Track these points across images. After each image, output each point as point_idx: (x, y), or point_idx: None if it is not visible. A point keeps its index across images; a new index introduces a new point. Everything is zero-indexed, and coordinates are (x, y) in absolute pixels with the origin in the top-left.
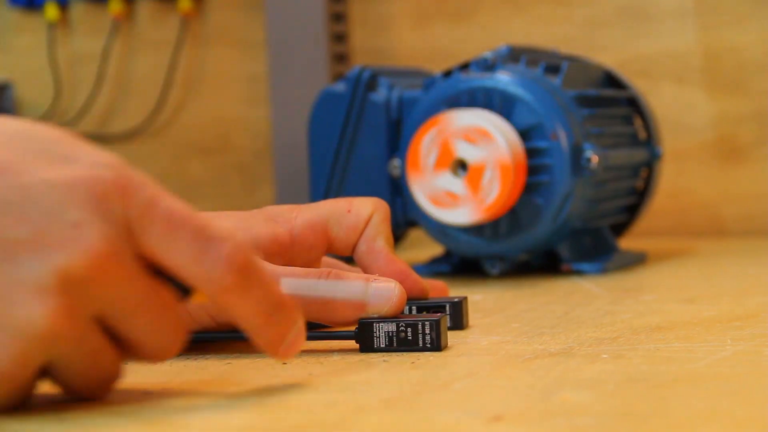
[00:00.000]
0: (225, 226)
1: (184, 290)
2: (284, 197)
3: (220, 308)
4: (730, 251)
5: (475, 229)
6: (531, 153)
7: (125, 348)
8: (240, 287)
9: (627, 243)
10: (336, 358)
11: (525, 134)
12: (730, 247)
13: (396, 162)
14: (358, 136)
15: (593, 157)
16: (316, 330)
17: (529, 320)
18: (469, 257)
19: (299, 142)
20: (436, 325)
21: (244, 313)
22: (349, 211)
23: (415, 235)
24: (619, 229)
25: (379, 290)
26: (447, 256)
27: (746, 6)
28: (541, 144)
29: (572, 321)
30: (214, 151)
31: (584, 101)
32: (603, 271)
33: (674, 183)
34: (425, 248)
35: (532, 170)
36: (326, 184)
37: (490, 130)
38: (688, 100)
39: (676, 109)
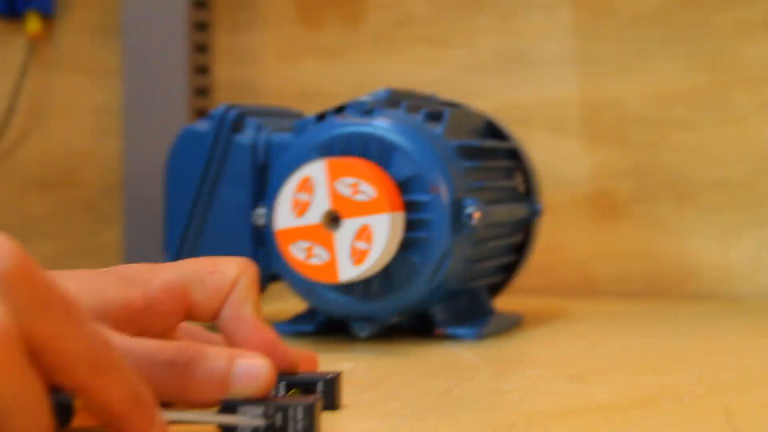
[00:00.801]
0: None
1: (66, 407)
2: (134, 239)
3: (89, 403)
4: (605, 314)
5: (344, 287)
6: (409, 207)
7: None
8: (111, 368)
9: (500, 302)
10: None
11: (403, 186)
12: (603, 308)
13: (261, 210)
14: (220, 180)
15: (475, 213)
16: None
17: (409, 399)
18: (336, 317)
19: (153, 179)
20: (309, 411)
21: (110, 398)
22: (213, 272)
23: (277, 287)
24: (495, 288)
25: (245, 367)
26: (311, 314)
27: (628, 57)
28: (421, 197)
29: (457, 401)
30: (58, 186)
31: (466, 152)
32: (479, 336)
33: (548, 238)
34: (285, 301)
35: (410, 225)
36: (183, 230)
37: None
38: (566, 151)
39: (553, 160)
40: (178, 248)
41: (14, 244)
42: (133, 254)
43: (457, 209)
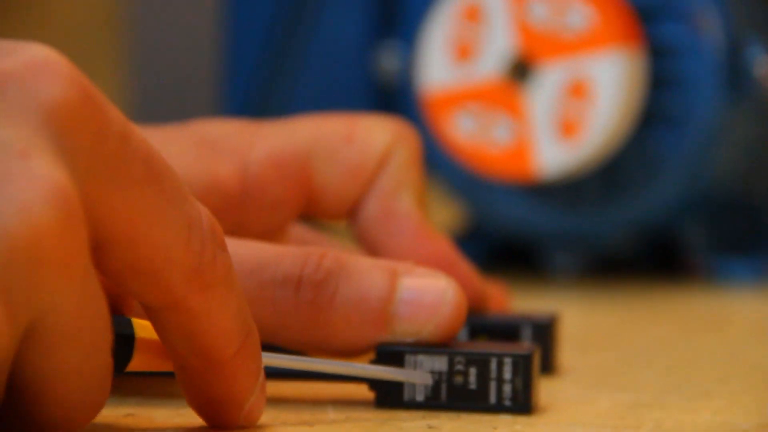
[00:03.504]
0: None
1: (120, 349)
2: (145, 87)
3: (179, 332)
4: None
5: (539, 189)
6: (653, 50)
7: (12, 397)
8: (224, 283)
9: None
10: (334, 417)
11: (645, 14)
12: None
13: (390, 51)
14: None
15: (765, 65)
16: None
17: (662, 366)
18: (517, 238)
19: None
20: (524, 365)
21: (211, 330)
22: (349, 138)
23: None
24: None
25: (418, 291)
26: (477, 234)
27: None
28: (673, 33)
29: (734, 373)
30: None
31: None
32: (764, 275)
33: None
34: (432, 211)
35: (654, 81)
36: (250, 85)
37: None
38: None
39: None
40: (242, 113)
41: (71, 67)
42: None
43: (735, 57)
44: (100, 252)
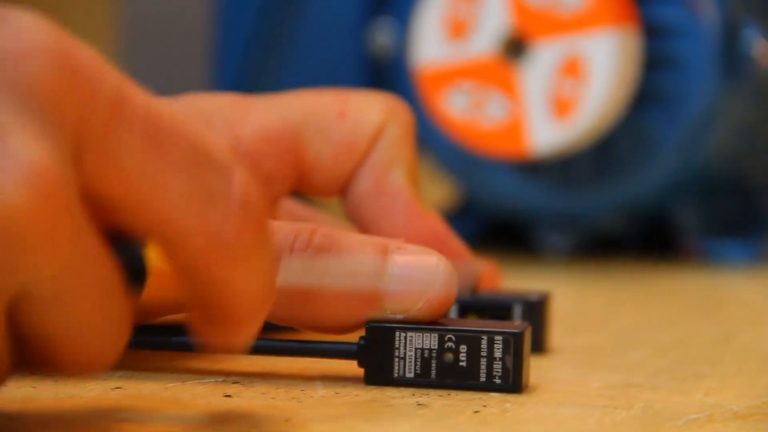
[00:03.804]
0: (220, 143)
1: (135, 272)
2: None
3: (197, 289)
4: None
5: (532, 167)
6: (649, 30)
7: (32, 350)
8: (255, 253)
9: None
10: (324, 393)
11: None
12: None
13: (383, 28)
14: None
15: (760, 47)
16: (285, 338)
17: (661, 348)
18: (509, 216)
19: None
20: (514, 344)
21: (233, 301)
22: (342, 114)
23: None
24: None
25: (409, 268)
26: (469, 211)
27: None
28: (668, 13)
29: (734, 356)
30: None
31: None
32: (757, 257)
33: None
34: (425, 188)
35: (649, 61)
36: (244, 61)
37: None
38: None
39: None
40: (234, 88)
41: (55, 36)
42: None
43: (731, 38)
44: (112, 213)
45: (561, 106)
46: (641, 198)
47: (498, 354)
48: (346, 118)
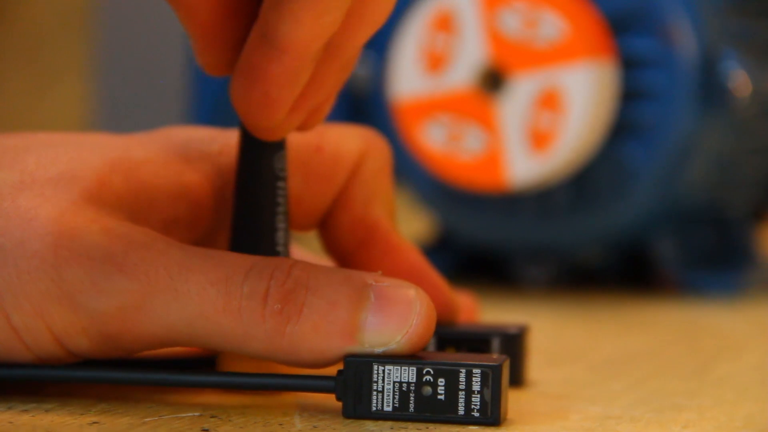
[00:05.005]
0: None
1: None
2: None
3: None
4: None
5: (510, 200)
6: (626, 61)
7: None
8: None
9: None
10: (302, 427)
11: (617, 24)
12: None
13: (363, 62)
14: None
15: (738, 79)
16: (261, 374)
17: (634, 379)
18: (487, 249)
19: None
20: (493, 377)
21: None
22: (319, 149)
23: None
24: (762, 217)
25: (387, 302)
26: (446, 245)
27: None
28: (645, 45)
29: (712, 387)
30: None
31: None
32: (736, 290)
33: None
34: (403, 222)
35: (626, 92)
36: (216, 93)
37: None
38: None
39: None
40: (211, 121)
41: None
42: None
43: (709, 70)
44: None
45: (538, 139)
46: (619, 229)
47: (476, 387)
48: (323, 151)
